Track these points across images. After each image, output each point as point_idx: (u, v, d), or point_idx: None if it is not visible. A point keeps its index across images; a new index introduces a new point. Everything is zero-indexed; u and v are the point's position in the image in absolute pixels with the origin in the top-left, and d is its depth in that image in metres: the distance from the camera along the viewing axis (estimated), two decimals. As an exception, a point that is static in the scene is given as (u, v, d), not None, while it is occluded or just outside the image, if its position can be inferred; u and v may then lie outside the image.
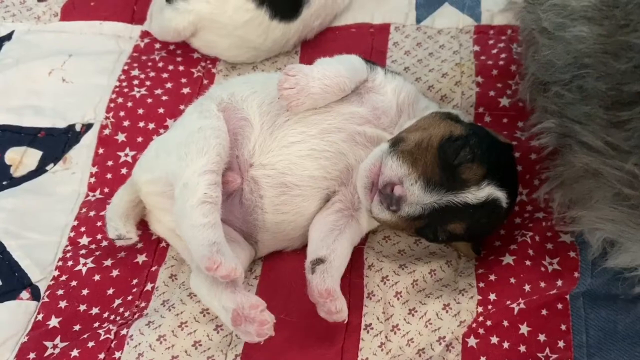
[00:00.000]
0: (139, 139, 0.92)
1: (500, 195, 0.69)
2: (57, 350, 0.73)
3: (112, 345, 0.71)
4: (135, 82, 0.98)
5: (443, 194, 0.67)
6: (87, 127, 0.94)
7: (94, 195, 0.88)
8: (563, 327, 0.72)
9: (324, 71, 0.73)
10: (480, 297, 0.73)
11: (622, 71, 0.62)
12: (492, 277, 0.74)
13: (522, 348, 0.70)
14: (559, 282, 0.73)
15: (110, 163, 0.90)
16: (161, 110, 0.95)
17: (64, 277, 0.80)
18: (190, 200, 0.68)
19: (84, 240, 0.83)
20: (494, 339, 0.71)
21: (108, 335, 0.72)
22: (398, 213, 0.68)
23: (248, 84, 0.80)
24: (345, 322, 0.70)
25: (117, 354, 0.70)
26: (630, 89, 0.61)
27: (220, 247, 0.66)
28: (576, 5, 0.67)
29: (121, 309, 0.76)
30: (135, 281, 0.79)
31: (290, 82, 0.72)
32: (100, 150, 0.92)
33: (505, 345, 0.71)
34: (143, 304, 0.76)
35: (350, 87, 0.75)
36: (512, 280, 0.74)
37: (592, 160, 0.67)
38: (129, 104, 0.95)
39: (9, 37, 1.05)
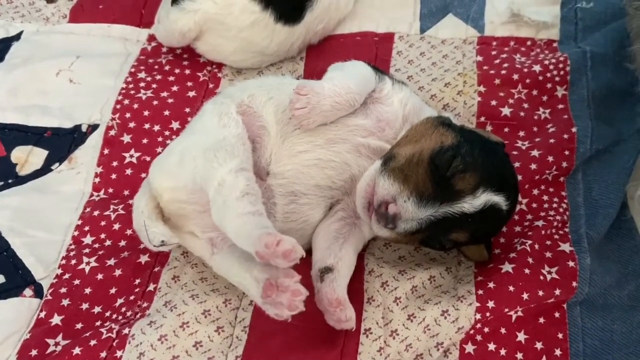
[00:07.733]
0: (144, 141, 0.93)
1: (498, 199, 0.69)
2: (58, 348, 0.73)
3: (114, 344, 0.72)
4: (142, 84, 0.99)
5: (438, 207, 0.67)
6: (93, 127, 0.95)
7: (98, 195, 0.89)
8: (560, 335, 0.72)
9: (334, 88, 0.73)
10: (478, 304, 0.73)
11: None
12: (491, 285, 0.75)
13: (519, 355, 0.71)
14: (557, 291, 0.74)
15: (115, 164, 0.91)
16: (167, 113, 0.96)
17: (67, 276, 0.80)
18: (233, 194, 0.66)
19: (88, 240, 0.84)
20: (492, 346, 0.72)
21: (110, 334, 0.73)
22: (395, 230, 0.68)
23: (263, 87, 0.80)
24: (353, 329, 0.70)
25: (118, 353, 0.71)
26: None
27: (275, 231, 0.63)
28: None
29: (123, 309, 0.77)
30: (137, 281, 0.80)
31: (302, 102, 0.72)
32: (106, 151, 0.92)
33: (502, 352, 0.71)
34: (145, 304, 0.77)
35: (360, 102, 0.76)
36: (511, 288, 0.74)
37: None
38: (135, 106, 0.96)
39: (17, 37, 1.06)
